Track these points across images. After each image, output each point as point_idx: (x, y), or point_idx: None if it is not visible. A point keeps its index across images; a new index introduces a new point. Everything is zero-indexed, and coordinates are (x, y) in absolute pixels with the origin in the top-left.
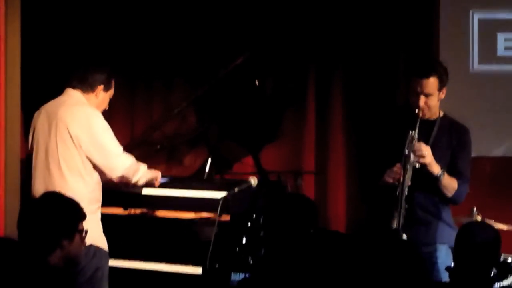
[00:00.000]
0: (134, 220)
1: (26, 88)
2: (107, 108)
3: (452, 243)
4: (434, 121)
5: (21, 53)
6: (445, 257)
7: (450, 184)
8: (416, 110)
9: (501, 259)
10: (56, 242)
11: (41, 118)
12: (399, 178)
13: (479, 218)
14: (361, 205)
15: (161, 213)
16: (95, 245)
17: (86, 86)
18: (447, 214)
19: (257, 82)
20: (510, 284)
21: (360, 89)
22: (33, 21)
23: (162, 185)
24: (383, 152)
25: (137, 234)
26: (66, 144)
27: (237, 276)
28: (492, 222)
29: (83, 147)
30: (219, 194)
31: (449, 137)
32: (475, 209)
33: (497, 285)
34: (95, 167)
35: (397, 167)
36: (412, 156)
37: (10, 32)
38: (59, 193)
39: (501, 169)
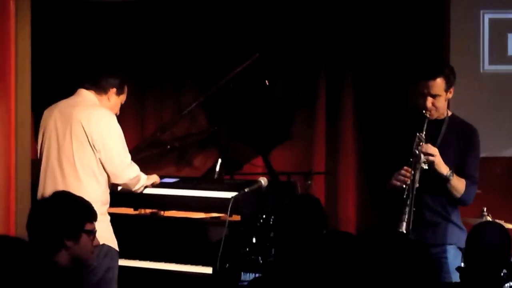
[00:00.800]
0: (144, 220)
1: (36, 90)
2: (118, 113)
3: (461, 244)
4: (442, 121)
5: (31, 54)
6: (453, 258)
7: (458, 185)
8: (424, 111)
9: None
10: (59, 242)
11: (53, 117)
12: (407, 181)
13: (489, 219)
14: (371, 207)
15: (171, 214)
16: (107, 245)
17: (100, 88)
18: (455, 215)
19: (267, 82)
20: None
21: (370, 91)
22: (43, 23)
23: (172, 186)
24: (392, 155)
25: (147, 234)
26: (82, 144)
27: (247, 276)
28: (502, 223)
29: (96, 148)
30: (229, 195)
31: (457, 137)
32: (485, 209)
33: (507, 285)
34: (104, 169)
35: (405, 170)
36: (420, 157)
37: (21, 34)
38: (68, 192)
39: (511, 170)
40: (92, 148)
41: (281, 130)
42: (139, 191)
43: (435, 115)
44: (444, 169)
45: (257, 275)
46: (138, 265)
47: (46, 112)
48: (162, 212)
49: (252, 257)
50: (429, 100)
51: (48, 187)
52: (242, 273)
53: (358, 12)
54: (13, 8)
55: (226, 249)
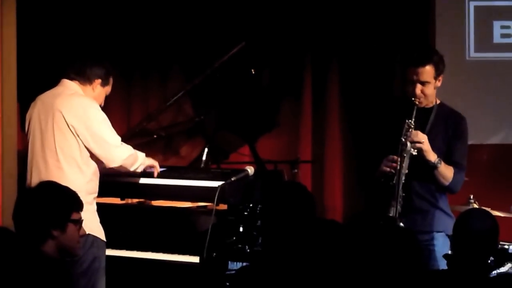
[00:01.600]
0: (131, 210)
1: (23, 80)
2: (102, 105)
3: (449, 231)
4: (431, 109)
5: (17, 44)
6: (442, 245)
7: (446, 172)
8: (413, 98)
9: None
10: (46, 232)
11: (37, 108)
12: (396, 167)
13: (475, 206)
14: (358, 195)
15: (158, 203)
16: (93, 234)
17: (84, 78)
18: (444, 202)
19: (253, 71)
20: (507, 271)
21: (356, 79)
22: (29, 13)
23: (159, 175)
24: (380, 142)
25: (134, 224)
26: (64, 134)
27: (234, 265)
28: (488, 210)
29: (80, 137)
30: (216, 184)
31: (445, 125)
32: (471, 197)
33: (494, 272)
34: (93, 156)
35: (393, 157)
36: (408, 144)
37: (6, 23)
38: (54, 182)
39: (498, 157)
40: (75, 137)
41: (267, 118)
42: (138, 170)
43: (424, 102)
44: (432, 156)
45: (244, 264)
46: (125, 255)
47: (31, 104)
48: (149, 202)
49: (239, 246)
50: (418, 87)
51: (33, 178)
52: (229, 262)
53: (344, 0)
54: None
55: (213, 238)
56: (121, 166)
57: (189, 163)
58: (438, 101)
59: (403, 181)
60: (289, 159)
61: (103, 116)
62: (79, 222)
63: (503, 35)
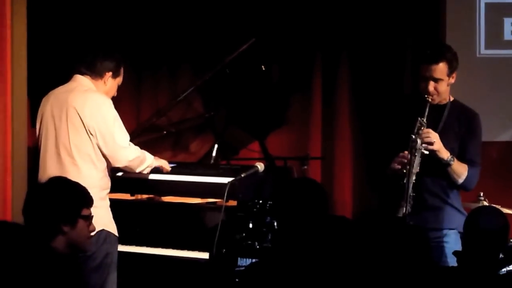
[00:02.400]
0: (141, 205)
1: (32, 75)
2: (115, 95)
3: (461, 228)
4: (444, 106)
5: (27, 39)
6: (454, 242)
7: (460, 169)
8: (426, 96)
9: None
10: (56, 228)
11: (49, 104)
12: (406, 165)
13: (485, 204)
14: (368, 191)
15: (168, 199)
16: (106, 230)
17: (95, 72)
18: (456, 199)
19: (263, 67)
20: None
21: (366, 76)
22: (39, 8)
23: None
24: (392, 140)
25: (143, 220)
26: (78, 131)
27: (243, 262)
28: (498, 208)
29: (92, 133)
30: (225, 180)
31: (458, 122)
32: (481, 194)
33: (504, 270)
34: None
35: (404, 154)
36: (419, 142)
37: (16, 19)
38: (64, 178)
39: (508, 154)
40: (88, 133)
41: (277, 115)
42: (144, 172)
43: (437, 99)
44: (444, 154)
45: (253, 260)
46: (134, 251)
47: (43, 100)
48: (158, 198)
49: (249, 242)
50: (431, 84)
51: (46, 174)
52: (239, 258)
53: None
54: None
55: (222, 234)
56: (126, 166)
57: (199, 159)
58: (452, 98)
59: (414, 181)
60: (299, 155)
61: (115, 114)
62: (89, 218)
63: None
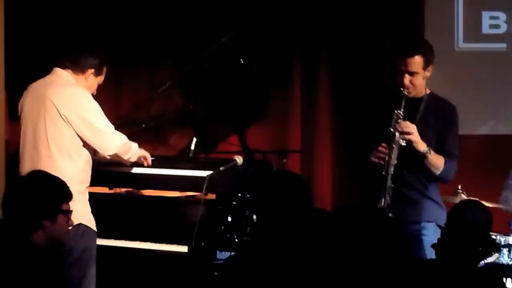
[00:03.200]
0: (119, 199)
1: (12, 70)
2: (94, 94)
3: (440, 221)
4: (420, 99)
5: (4, 32)
6: (432, 235)
7: (437, 161)
8: (402, 89)
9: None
10: (37, 222)
11: (28, 97)
12: (385, 157)
13: (463, 197)
14: (347, 184)
15: (147, 192)
16: (84, 224)
17: (77, 67)
18: (434, 192)
19: (242, 61)
20: (495, 261)
21: (345, 69)
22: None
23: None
24: (369, 133)
25: (122, 213)
26: (56, 124)
27: (222, 255)
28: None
29: (73, 126)
30: (204, 173)
31: (436, 115)
32: (459, 187)
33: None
34: (86, 146)
35: (383, 146)
36: (397, 134)
37: None
38: (45, 172)
39: (486, 148)
40: (67, 126)
41: (257, 108)
42: (131, 160)
43: (413, 93)
44: (421, 145)
45: (232, 253)
46: (113, 244)
47: (24, 93)
48: (137, 191)
49: (228, 235)
50: (407, 77)
51: (24, 167)
52: (218, 251)
53: None
54: None
55: (201, 228)
56: (115, 154)
57: (178, 153)
58: (428, 91)
59: (392, 172)
60: (278, 148)
61: (95, 105)
62: (68, 212)
63: (492, 26)
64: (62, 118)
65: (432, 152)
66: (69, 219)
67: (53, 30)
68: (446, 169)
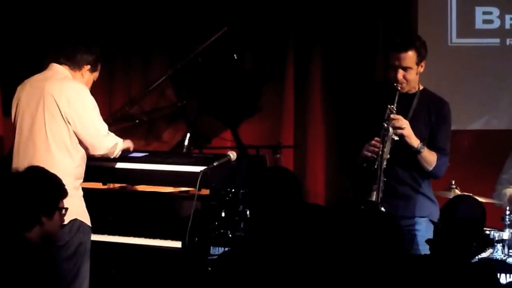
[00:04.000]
0: (113, 194)
1: (5, 65)
2: (89, 89)
3: (432, 216)
4: (413, 95)
5: None
6: (425, 231)
7: (429, 157)
8: (395, 84)
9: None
10: (35, 219)
11: (26, 92)
12: (378, 152)
13: (457, 192)
14: (340, 179)
15: (141, 188)
16: (80, 219)
17: (74, 63)
18: (427, 187)
19: (235, 56)
20: (488, 256)
21: (338, 64)
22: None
23: (141, 160)
24: (362, 128)
25: (116, 209)
26: (55, 119)
27: (216, 250)
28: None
29: (70, 122)
30: (198, 169)
31: (428, 111)
32: (453, 182)
33: (476, 257)
34: (81, 142)
35: (375, 141)
36: (390, 129)
37: None
38: (43, 168)
39: (480, 143)
40: (65, 121)
41: (250, 103)
42: (117, 156)
43: (406, 88)
44: (414, 141)
45: (226, 249)
46: (107, 240)
47: (18, 88)
48: (131, 187)
49: (221, 231)
50: (400, 72)
51: (20, 161)
52: (211, 247)
53: None
54: None
55: (195, 223)
56: (105, 154)
57: (171, 148)
58: (421, 87)
59: (385, 166)
60: (272, 144)
61: (93, 103)
62: (64, 209)
63: (485, 21)
64: (61, 113)
65: (425, 147)
66: (64, 216)
67: (47, 26)
68: (438, 164)
